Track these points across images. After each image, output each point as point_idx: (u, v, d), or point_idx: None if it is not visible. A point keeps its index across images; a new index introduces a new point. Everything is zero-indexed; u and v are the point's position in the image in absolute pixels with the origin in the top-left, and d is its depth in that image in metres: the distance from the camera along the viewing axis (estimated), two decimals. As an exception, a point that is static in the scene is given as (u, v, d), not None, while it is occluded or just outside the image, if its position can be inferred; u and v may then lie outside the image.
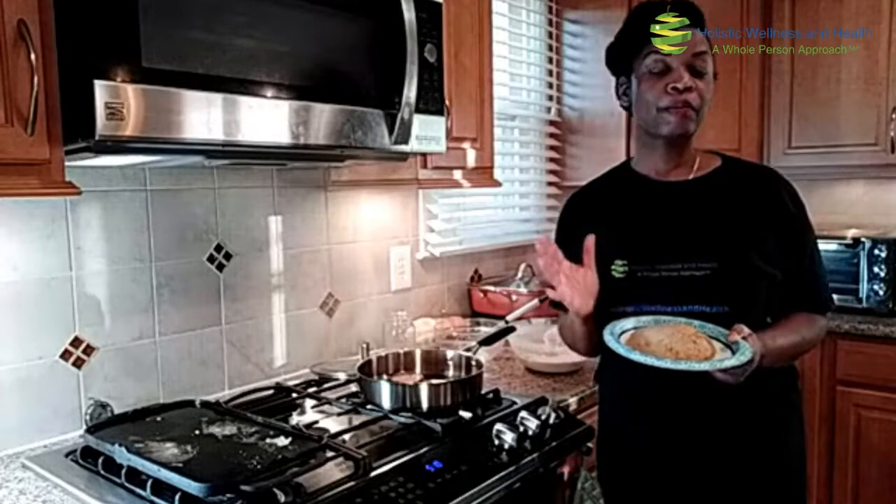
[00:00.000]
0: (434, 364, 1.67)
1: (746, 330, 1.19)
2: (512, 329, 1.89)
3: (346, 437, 1.34)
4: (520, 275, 2.47)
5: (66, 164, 1.13)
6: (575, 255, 1.37)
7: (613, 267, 1.34)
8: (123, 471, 1.16)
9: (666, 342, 1.17)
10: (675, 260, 1.30)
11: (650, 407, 1.38)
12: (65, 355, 1.44)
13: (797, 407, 1.42)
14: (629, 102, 1.38)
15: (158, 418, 1.35)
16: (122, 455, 1.16)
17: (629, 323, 1.27)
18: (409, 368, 1.68)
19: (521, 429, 1.39)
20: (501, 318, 2.11)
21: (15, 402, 1.38)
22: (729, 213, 1.32)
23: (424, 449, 1.30)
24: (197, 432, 1.27)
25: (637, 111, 1.36)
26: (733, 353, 1.17)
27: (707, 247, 1.29)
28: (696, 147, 1.40)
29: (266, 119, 1.24)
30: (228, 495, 1.06)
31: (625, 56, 1.36)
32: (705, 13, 1.33)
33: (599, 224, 1.39)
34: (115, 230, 1.51)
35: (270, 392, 1.62)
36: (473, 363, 1.59)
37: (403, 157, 1.63)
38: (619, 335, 1.24)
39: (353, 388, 1.61)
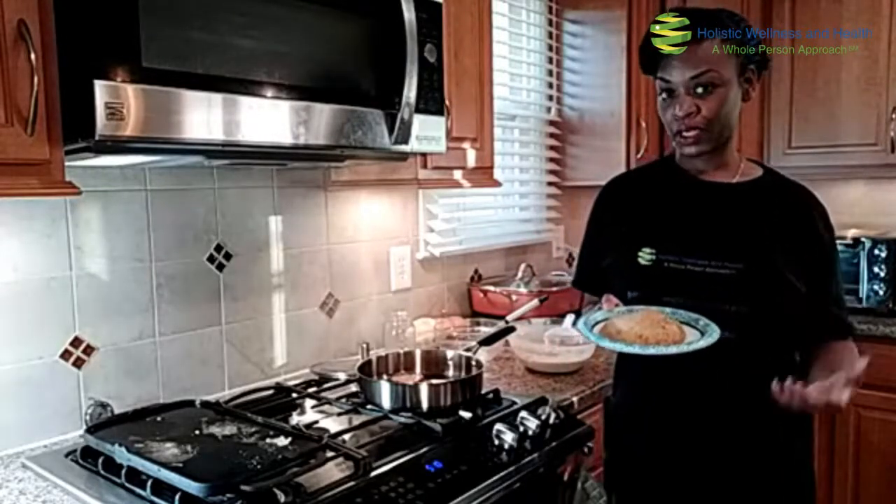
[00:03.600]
0: (434, 364, 1.67)
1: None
2: (512, 329, 1.89)
3: (346, 437, 1.34)
4: (520, 275, 2.47)
5: (66, 164, 1.13)
6: (603, 237, 1.45)
7: (640, 254, 1.35)
8: (123, 471, 1.16)
9: (636, 329, 1.20)
10: (703, 256, 1.31)
11: (650, 421, 1.40)
12: (65, 355, 1.44)
13: (807, 429, 1.41)
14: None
15: (158, 418, 1.34)
16: (122, 455, 1.16)
17: (601, 314, 1.29)
18: (409, 368, 1.68)
19: (521, 429, 1.39)
20: (501, 318, 2.11)
21: (15, 402, 1.38)
22: (763, 220, 1.33)
23: (424, 449, 1.30)
24: (197, 432, 1.27)
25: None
26: (703, 335, 1.19)
27: (736, 248, 1.30)
28: (740, 152, 1.40)
29: (266, 119, 1.24)
30: (228, 495, 1.06)
31: (647, 69, 1.36)
32: (731, 13, 1.31)
33: (633, 210, 1.43)
34: (114, 230, 1.51)
35: (270, 392, 1.62)
36: (473, 363, 1.59)
37: (403, 157, 1.63)
38: (592, 326, 1.26)
39: (353, 388, 1.61)
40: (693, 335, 1.21)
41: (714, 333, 1.17)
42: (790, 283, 1.29)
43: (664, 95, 1.31)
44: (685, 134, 1.29)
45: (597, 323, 1.27)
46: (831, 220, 1.39)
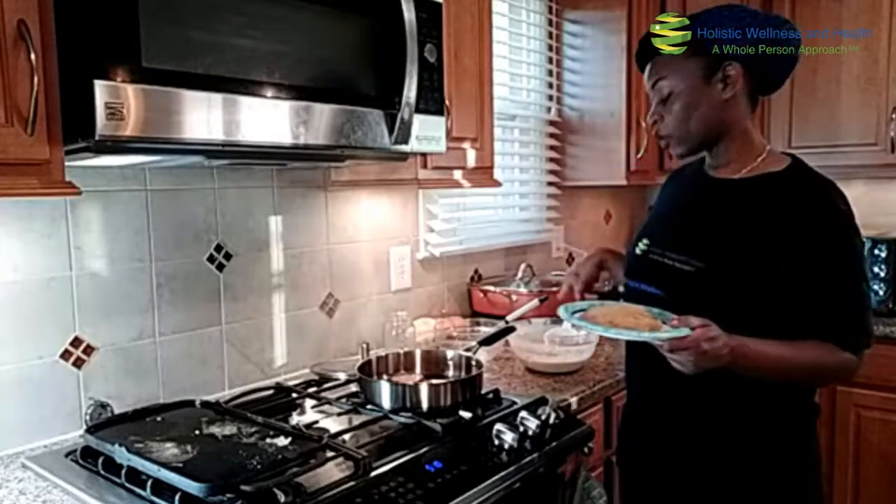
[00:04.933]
0: (434, 364, 1.67)
1: (696, 320, 1.13)
2: (512, 329, 1.89)
3: (346, 437, 1.34)
4: (520, 275, 2.47)
5: (66, 164, 1.13)
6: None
7: (639, 243, 1.40)
8: (123, 471, 1.16)
9: (608, 316, 1.23)
10: (678, 251, 1.31)
11: (663, 411, 1.38)
12: (65, 355, 1.44)
13: (807, 444, 1.34)
14: None
15: (158, 418, 1.35)
16: (122, 455, 1.16)
17: (586, 304, 1.35)
18: (409, 368, 1.68)
19: (521, 429, 1.39)
20: (501, 318, 2.11)
21: (15, 402, 1.38)
22: (754, 219, 1.25)
23: (424, 449, 1.30)
24: (197, 432, 1.27)
25: None
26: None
27: (704, 246, 1.28)
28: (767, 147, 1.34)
29: (266, 119, 1.24)
30: (228, 495, 1.06)
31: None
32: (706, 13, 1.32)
33: (657, 201, 1.53)
34: (114, 230, 1.51)
35: (270, 392, 1.62)
36: (473, 363, 1.59)
37: (403, 157, 1.63)
38: (573, 312, 1.30)
39: (353, 388, 1.61)
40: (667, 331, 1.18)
41: (683, 330, 1.13)
42: (761, 289, 1.22)
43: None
44: (660, 140, 1.37)
45: (579, 310, 1.31)
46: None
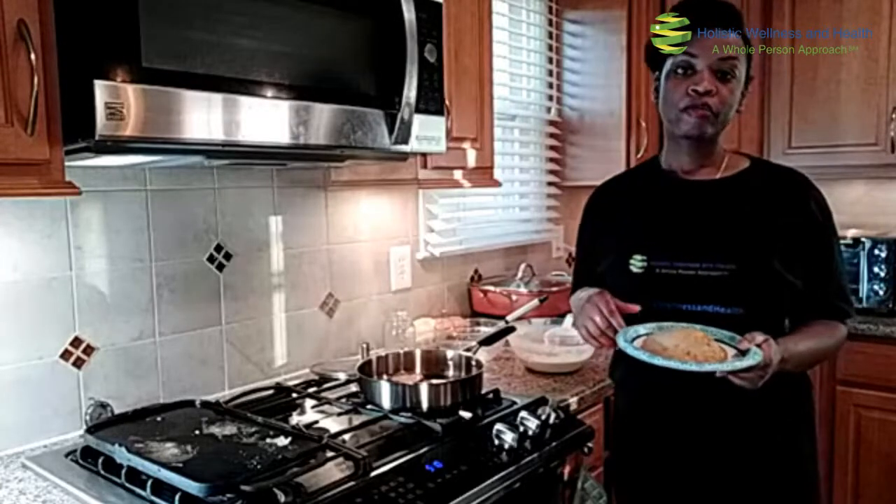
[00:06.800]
0: (434, 364, 1.67)
1: (760, 337, 1.16)
2: (512, 329, 1.89)
3: (346, 437, 1.34)
4: (520, 275, 2.47)
5: (66, 164, 1.13)
6: (596, 245, 1.45)
7: (632, 261, 1.34)
8: (123, 471, 1.16)
9: (682, 346, 1.17)
10: (694, 259, 1.30)
11: (664, 407, 1.38)
12: (65, 355, 1.44)
13: (809, 415, 1.40)
14: (657, 99, 1.37)
15: (158, 418, 1.35)
16: (122, 455, 1.16)
17: (640, 329, 1.26)
18: (409, 368, 1.68)
19: (521, 429, 1.39)
20: (501, 318, 2.11)
21: (15, 402, 1.38)
22: (753, 215, 1.31)
23: (424, 449, 1.30)
24: (197, 432, 1.27)
25: (661, 109, 1.35)
26: (743, 355, 1.16)
27: (727, 248, 1.29)
28: (726, 148, 1.39)
29: (266, 119, 1.24)
30: (228, 495, 1.06)
31: (658, 52, 1.33)
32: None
33: (621, 217, 1.42)
34: (115, 230, 1.51)
35: (270, 392, 1.62)
36: (473, 363, 1.59)
37: (403, 157, 1.63)
38: (632, 340, 1.22)
39: (353, 388, 1.61)
40: (730, 352, 1.18)
41: (757, 355, 1.13)
42: (785, 280, 1.28)
43: (681, 71, 1.28)
44: (695, 112, 1.27)
45: (636, 337, 1.24)
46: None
